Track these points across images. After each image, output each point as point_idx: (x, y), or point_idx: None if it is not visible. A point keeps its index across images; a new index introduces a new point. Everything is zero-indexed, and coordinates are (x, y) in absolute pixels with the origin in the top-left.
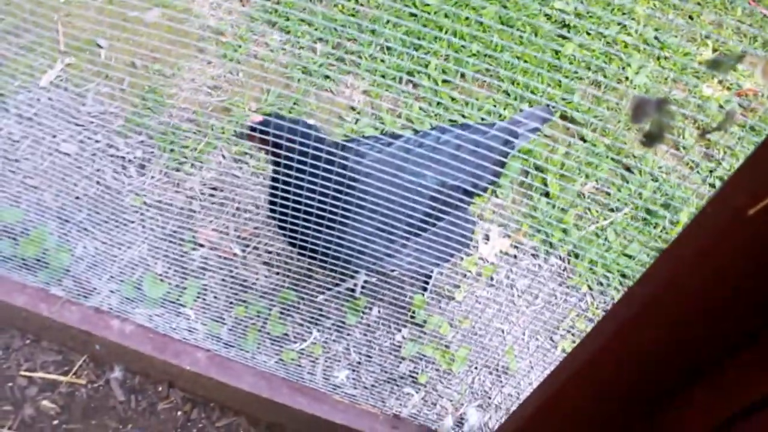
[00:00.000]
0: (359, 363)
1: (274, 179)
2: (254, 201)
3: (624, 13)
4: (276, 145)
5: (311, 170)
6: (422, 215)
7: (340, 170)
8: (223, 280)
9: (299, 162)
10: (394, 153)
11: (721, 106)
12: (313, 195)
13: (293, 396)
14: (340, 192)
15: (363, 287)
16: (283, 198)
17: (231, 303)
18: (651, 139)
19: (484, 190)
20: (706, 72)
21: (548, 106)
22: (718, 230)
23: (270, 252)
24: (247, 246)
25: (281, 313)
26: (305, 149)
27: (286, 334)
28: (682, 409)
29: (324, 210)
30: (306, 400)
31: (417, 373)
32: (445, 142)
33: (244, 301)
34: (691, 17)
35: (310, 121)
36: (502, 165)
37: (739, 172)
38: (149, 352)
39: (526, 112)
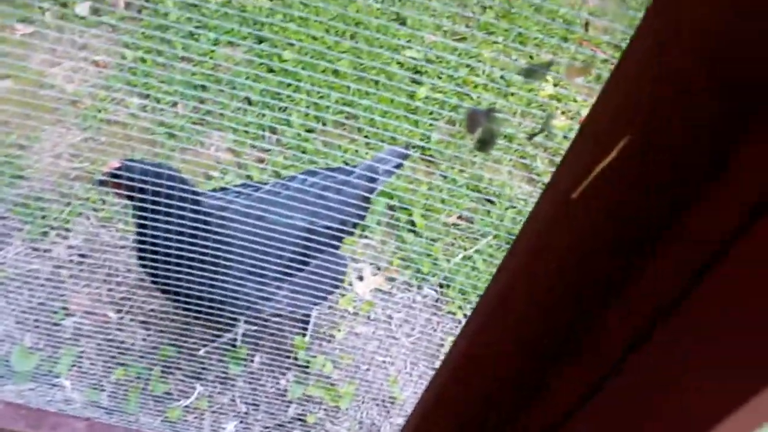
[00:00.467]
0: (246, 413)
1: (139, 225)
2: (125, 262)
3: (471, 57)
4: (135, 189)
5: (178, 213)
6: (293, 256)
7: (206, 217)
8: (99, 345)
9: (164, 206)
10: (262, 197)
11: (565, 136)
12: (180, 242)
13: None
14: (208, 239)
15: (244, 336)
16: (151, 245)
17: (109, 367)
18: (483, 145)
19: (354, 226)
20: (549, 105)
21: (407, 146)
22: (549, 218)
23: (146, 311)
24: (122, 308)
25: (162, 371)
26: (169, 191)
27: (169, 393)
28: (540, 404)
29: (193, 257)
30: None
31: (305, 415)
32: (312, 185)
33: (123, 364)
34: (531, 57)
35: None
36: (368, 202)
37: (562, 163)
38: (23, 429)
39: (386, 151)
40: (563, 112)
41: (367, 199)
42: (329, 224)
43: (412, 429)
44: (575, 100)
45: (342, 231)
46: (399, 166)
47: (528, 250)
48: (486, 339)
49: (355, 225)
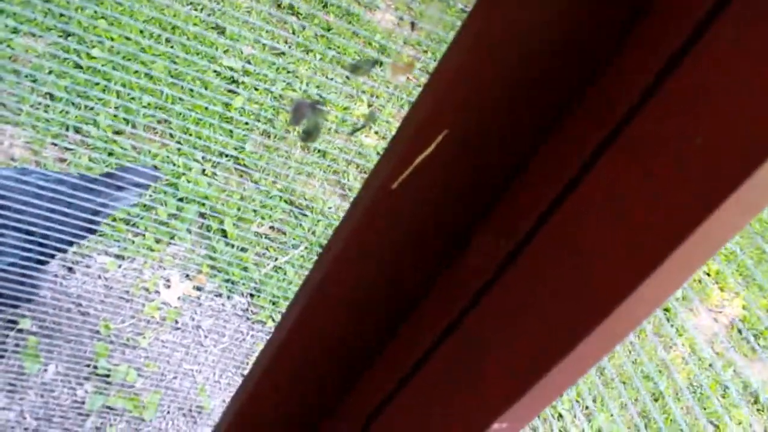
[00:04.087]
0: (36, 429)
1: None
2: None
3: (289, 72)
4: None
5: None
6: None
7: None
8: None
9: None
10: None
11: (378, 153)
12: None
13: None
14: None
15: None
16: None
17: None
18: (308, 136)
19: (68, 244)
20: (362, 122)
21: (156, 168)
22: (369, 207)
23: None
24: None
25: None
26: None
27: None
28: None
29: None
30: None
31: (105, 427)
32: (24, 183)
33: None
34: (348, 77)
35: None
36: (96, 215)
37: (383, 155)
38: None
39: (132, 169)
40: (377, 132)
41: (95, 212)
42: (28, 228)
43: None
44: (388, 122)
45: (36, 242)
46: (144, 187)
47: (348, 239)
48: (303, 335)
49: (68, 242)
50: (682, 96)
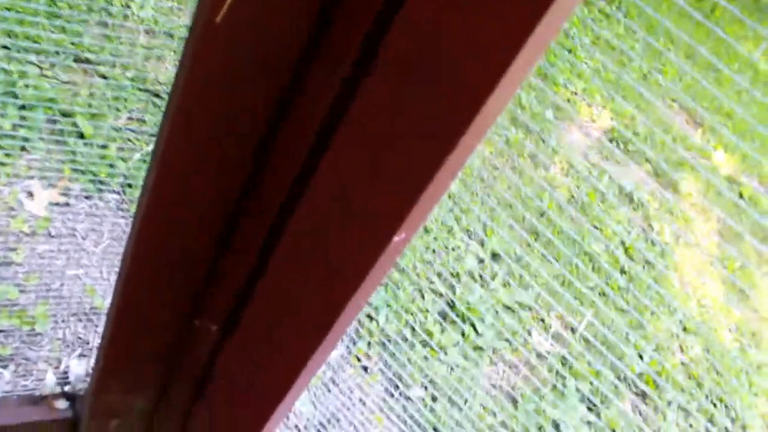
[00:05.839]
0: None
1: None
2: None
3: None
4: None
5: None
6: None
7: None
8: None
9: None
10: None
11: None
12: None
13: None
14: None
15: None
16: None
17: None
18: None
19: None
20: None
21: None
22: (199, 45)
23: None
24: None
25: None
26: None
27: None
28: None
29: None
30: None
31: None
32: None
33: None
34: None
35: None
36: None
37: None
38: None
39: None
40: None
41: None
42: None
43: (114, 316)
44: None
45: None
46: None
47: (185, 84)
48: (166, 198)
49: None
50: None
